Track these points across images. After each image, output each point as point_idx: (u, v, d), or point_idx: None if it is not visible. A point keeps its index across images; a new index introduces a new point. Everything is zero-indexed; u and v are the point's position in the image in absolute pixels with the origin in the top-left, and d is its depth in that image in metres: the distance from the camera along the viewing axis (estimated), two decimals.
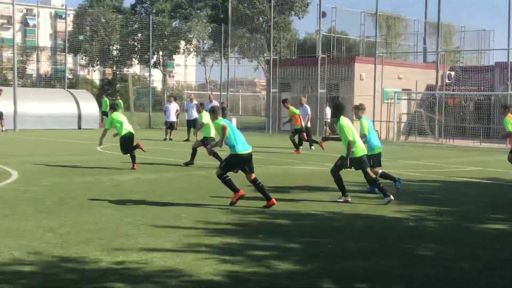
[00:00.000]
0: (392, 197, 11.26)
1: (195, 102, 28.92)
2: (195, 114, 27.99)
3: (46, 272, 6.40)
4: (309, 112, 24.28)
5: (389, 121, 35.80)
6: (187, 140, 27.61)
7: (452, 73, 37.83)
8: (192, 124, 28.25)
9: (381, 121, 34.63)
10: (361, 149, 11.41)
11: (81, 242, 7.67)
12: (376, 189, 11.78)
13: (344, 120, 11.35)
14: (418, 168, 18.30)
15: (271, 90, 40.73)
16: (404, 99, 39.65)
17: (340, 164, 11.39)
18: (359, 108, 12.86)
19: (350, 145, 11.11)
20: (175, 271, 6.56)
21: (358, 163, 11.37)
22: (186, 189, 12.64)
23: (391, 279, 6.54)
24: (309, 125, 24.14)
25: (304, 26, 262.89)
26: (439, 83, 35.53)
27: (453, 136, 33.65)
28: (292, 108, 23.19)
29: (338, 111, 11.60)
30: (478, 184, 15.06)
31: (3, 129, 32.07)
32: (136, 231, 8.44)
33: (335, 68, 38.04)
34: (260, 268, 6.80)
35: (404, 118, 37.59)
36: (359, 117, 12.76)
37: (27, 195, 11.29)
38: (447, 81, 37.11)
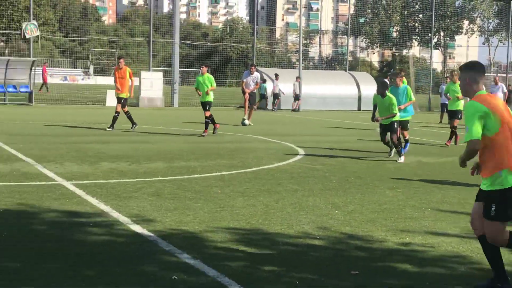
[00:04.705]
0: None
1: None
2: None
3: (335, 247, 6.64)
4: None
5: None
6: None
7: None
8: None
9: None
10: None
11: (367, 221, 7.83)
12: None
13: None
14: None
15: None
16: None
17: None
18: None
19: None
20: (461, 257, 6.39)
21: None
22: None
23: None
24: None
25: None
26: None
27: None
28: None
29: None
30: None
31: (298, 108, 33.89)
32: (420, 214, 8.38)
33: None
34: None
35: None
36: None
37: (313, 172, 11.80)
38: None
